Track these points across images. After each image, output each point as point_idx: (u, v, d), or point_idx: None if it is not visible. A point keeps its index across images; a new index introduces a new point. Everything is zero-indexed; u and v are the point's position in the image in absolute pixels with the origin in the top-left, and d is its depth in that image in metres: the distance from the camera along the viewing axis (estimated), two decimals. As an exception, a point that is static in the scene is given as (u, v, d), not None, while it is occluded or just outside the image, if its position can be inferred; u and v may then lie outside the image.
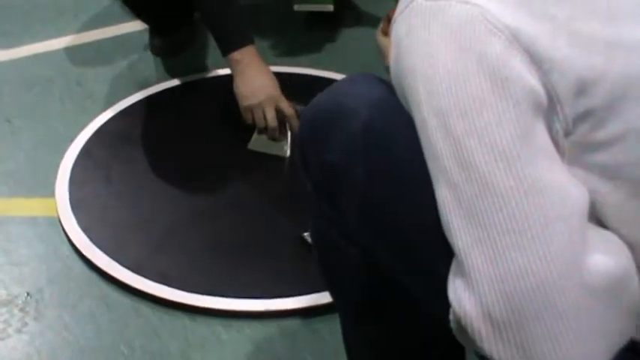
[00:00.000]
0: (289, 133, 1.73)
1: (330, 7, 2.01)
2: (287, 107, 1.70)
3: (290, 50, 2.19)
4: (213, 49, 2.18)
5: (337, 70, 2.04)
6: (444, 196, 0.74)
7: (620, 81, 0.72)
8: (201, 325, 1.35)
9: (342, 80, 0.93)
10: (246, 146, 1.76)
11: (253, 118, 1.71)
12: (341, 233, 0.93)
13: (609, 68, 0.72)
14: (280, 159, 1.74)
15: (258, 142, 1.75)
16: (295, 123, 1.70)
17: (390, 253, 0.87)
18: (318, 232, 1.01)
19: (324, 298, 1.35)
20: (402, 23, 0.78)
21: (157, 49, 2.14)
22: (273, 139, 1.73)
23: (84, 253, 1.48)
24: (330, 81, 0.91)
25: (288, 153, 1.74)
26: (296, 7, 2.04)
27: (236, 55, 1.70)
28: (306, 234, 1.42)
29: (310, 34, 2.28)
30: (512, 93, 0.71)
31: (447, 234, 0.74)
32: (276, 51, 2.19)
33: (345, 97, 0.88)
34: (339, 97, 0.89)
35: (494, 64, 0.72)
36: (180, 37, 2.16)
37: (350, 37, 2.25)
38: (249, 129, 1.75)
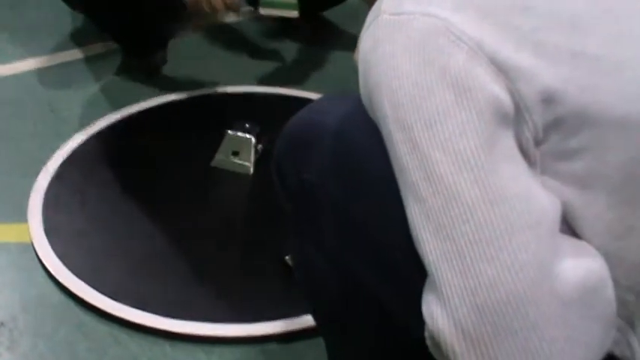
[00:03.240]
0: (253, 151, 1.74)
1: (296, 14, 2.03)
2: None
3: (266, 71, 2.18)
4: (185, 70, 2.17)
5: (314, 90, 2.04)
6: (412, 210, 0.74)
7: (588, 89, 0.73)
8: (182, 351, 1.32)
9: (319, 99, 0.93)
10: (221, 166, 1.76)
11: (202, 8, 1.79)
12: (321, 253, 0.93)
13: (575, 76, 0.73)
14: (246, 176, 1.74)
15: (221, 161, 1.76)
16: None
17: (369, 272, 0.86)
18: (299, 252, 1.00)
19: (307, 321, 1.33)
20: (368, 38, 0.79)
21: (131, 67, 2.13)
22: (236, 155, 1.73)
23: (59, 279, 1.44)
24: (307, 101, 0.92)
25: (252, 171, 1.74)
26: (261, 11, 2.06)
27: None
28: (287, 257, 1.41)
29: (286, 53, 2.28)
30: (475, 103, 0.71)
31: (418, 249, 0.74)
32: (253, 72, 2.18)
33: (320, 116, 0.88)
34: (314, 116, 0.89)
35: (458, 75, 0.72)
36: (154, 61, 2.15)
37: (326, 56, 2.25)
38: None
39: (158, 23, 2.07)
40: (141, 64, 2.13)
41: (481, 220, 0.70)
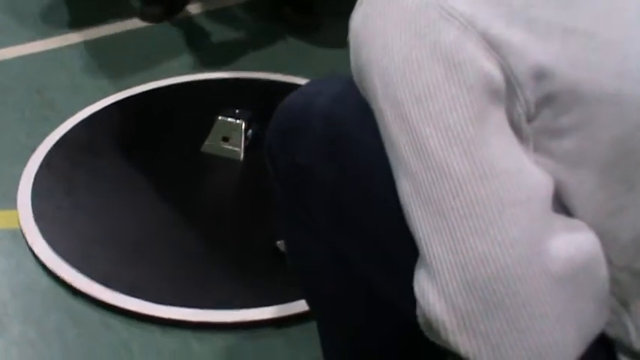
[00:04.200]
0: (243, 137, 1.73)
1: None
2: None
3: (257, 57, 2.18)
4: (176, 56, 2.16)
5: (304, 76, 2.04)
6: (403, 186, 0.73)
7: (579, 66, 0.72)
8: (173, 337, 1.32)
9: (310, 82, 0.92)
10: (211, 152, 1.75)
11: None
12: (312, 235, 0.92)
13: (567, 53, 0.72)
14: (236, 162, 1.73)
15: (211, 147, 1.75)
16: None
17: (361, 253, 0.86)
18: (291, 236, 1.00)
19: (298, 307, 1.33)
20: (359, 15, 0.78)
21: (146, 16, 2.29)
22: (226, 140, 1.73)
23: (48, 265, 1.44)
24: (297, 87, 0.91)
25: (242, 156, 1.73)
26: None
27: None
28: (279, 242, 1.40)
29: (278, 40, 2.27)
30: (465, 77, 0.71)
31: (409, 225, 0.74)
32: (244, 58, 2.17)
33: (311, 99, 0.88)
34: (305, 98, 0.89)
35: (448, 50, 0.71)
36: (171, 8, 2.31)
37: (317, 42, 2.24)
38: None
39: None
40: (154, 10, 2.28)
41: (471, 195, 0.69)
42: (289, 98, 0.90)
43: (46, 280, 1.43)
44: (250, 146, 1.74)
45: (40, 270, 1.45)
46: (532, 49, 0.72)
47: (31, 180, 1.66)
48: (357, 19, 0.79)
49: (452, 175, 0.70)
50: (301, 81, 2.01)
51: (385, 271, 0.84)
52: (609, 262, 0.73)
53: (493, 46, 0.71)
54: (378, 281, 0.86)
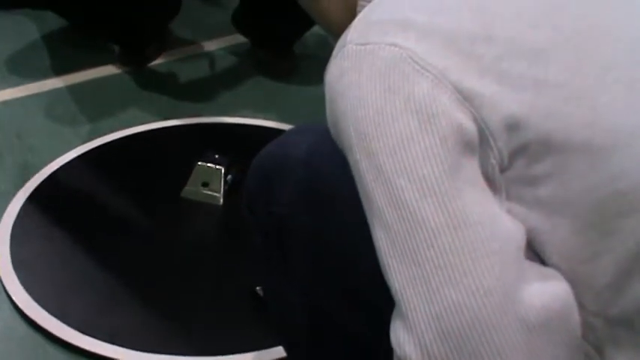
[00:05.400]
0: (222, 182, 1.74)
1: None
2: None
3: (237, 102, 2.19)
4: (155, 101, 2.18)
5: (284, 121, 2.05)
6: (378, 237, 0.74)
7: (551, 116, 0.74)
8: (153, 385, 1.31)
9: (288, 132, 0.94)
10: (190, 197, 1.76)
11: None
12: (291, 285, 0.93)
13: (539, 103, 0.74)
14: (216, 207, 1.73)
15: (191, 192, 1.76)
16: None
17: (339, 301, 0.87)
18: (269, 284, 1.00)
19: (277, 352, 1.33)
20: (334, 68, 0.80)
21: (123, 60, 2.32)
22: (206, 185, 1.73)
23: (27, 313, 1.43)
24: (277, 131, 0.93)
25: (221, 201, 1.74)
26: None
27: None
28: (258, 288, 1.40)
29: (257, 85, 2.29)
30: (438, 129, 0.72)
31: (384, 275, 0.74)
32: (224, 103, 2.19)
33: (289, 149, 0.89)
34: (284, 148, 0.90)
35: (422, 103, 0.73)
36: (149, 52, 2.33)
37: (296, 87, 2.26)
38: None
39: (150, 16, 2.20)
40: (135, 57, 2.30)
41: (445, 245, 0.70)
42: (266, 149, 0.92)
43: (23, 328, 1.42)
44: (230, 191, 1.75)
45: (17, 317, 1.44)
46: (504, 101, 0.73)
47: (10, 226, 1.65)
48: (332, 72, 0.80)
49: (426, 226, 0.71)
50: (279, 125, 2.03)
51: (362, 318, 0.84)
52: (583, 307, 0.75)
53: (466, 98, 0.73)
54: (355, 329, 0.86)
